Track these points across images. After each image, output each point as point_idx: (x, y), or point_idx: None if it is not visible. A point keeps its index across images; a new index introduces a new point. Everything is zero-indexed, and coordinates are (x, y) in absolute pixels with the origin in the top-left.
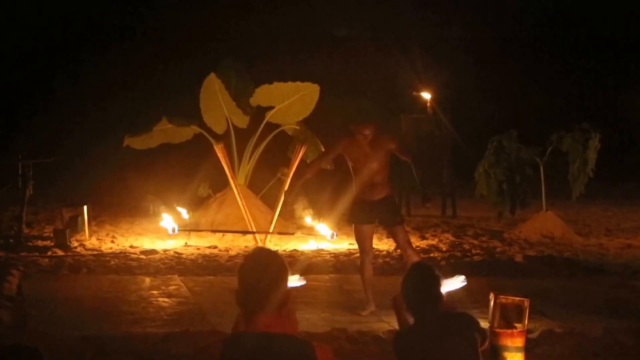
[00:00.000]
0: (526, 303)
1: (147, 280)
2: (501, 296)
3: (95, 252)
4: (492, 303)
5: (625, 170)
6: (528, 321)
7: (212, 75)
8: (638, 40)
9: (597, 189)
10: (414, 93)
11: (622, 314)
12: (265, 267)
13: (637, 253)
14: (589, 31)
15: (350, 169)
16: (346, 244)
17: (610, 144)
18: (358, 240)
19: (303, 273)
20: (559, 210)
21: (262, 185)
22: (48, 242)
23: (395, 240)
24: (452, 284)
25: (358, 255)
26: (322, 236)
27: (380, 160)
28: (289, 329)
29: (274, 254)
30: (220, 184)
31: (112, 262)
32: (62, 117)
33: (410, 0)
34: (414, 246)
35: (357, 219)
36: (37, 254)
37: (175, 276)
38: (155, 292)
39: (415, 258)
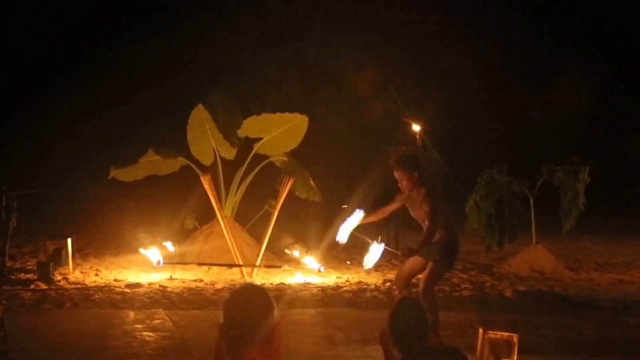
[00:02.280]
0: (515, 339)
1: (132, 314)
2: (490, 331)
3: (79, 286)
4: (480, 338)
5: (615, 204)
6: (517, 357)
7: (200, 107)
8: (627, 73)
9: (587, 223)
10: (405, 119)
11: (612, 350)
12: (252, 302)
13: (628, 288)
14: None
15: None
16: (334, 277)
17: (600, 178)
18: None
19: (290, 306)
20: (549, 244)
21: (249, 218)
22: (31, 276)
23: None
24: (374, 254)
25: (345, 288)
26: (309, 269)
27: (423, 211)
28: None
29: (261, 289)
30: (206, 216)
31: (96, 296)
32: (45, 148)
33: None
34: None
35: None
36: (20, 287)
37: (160, 310)
38: (139, 326)
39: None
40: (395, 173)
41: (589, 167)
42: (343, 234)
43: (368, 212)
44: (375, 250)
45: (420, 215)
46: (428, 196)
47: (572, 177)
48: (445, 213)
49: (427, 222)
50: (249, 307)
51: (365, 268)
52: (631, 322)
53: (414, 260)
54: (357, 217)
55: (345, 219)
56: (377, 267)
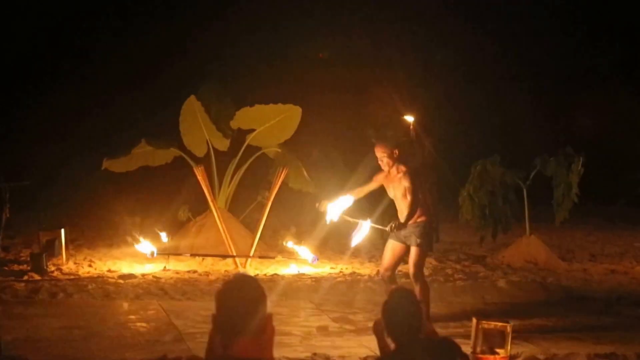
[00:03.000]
0: (509, 328)
1: (125, 304)
2: (484, 321)
3: (73, 277)
4: (474, 328)
5: (609, 194)
6: (510, 347)
7: (192, 98)
8: (619, 64)
9: (580, 213)
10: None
11: (605, 340)
12: (245, 292)
13: (621, 279)
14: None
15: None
16: (327, 268)
17: (593, 169)
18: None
19: (283, 297)
20: (543, 235)
21: (242, 209)
22: (24, 267)
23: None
24: (360, 233)
25: (339, 279)
26: (303, 260)
27: (403, 188)
28: (266, 355)
29: (253, 280)
30: (200, 207)
31: (90, 287)
32: (38, 138)
33: (394, 25)
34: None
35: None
36: (13, 278)
37: (154, 301)
38: (133, 317)
39: (415, 286)
40: (376, 150)
41: (582, 158)
42: (333, 213)
43: (346, 192)
44: (363, 227)
45: (399, 193)
46: (408, 173)
47: (565, 168)
48: (424, 194)
49: (408, 197)
50: (242, 298)
51: (352, 245)
52: (624, 312)
53: (394, 248)
54: (346, 200)
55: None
56: (371, 257)
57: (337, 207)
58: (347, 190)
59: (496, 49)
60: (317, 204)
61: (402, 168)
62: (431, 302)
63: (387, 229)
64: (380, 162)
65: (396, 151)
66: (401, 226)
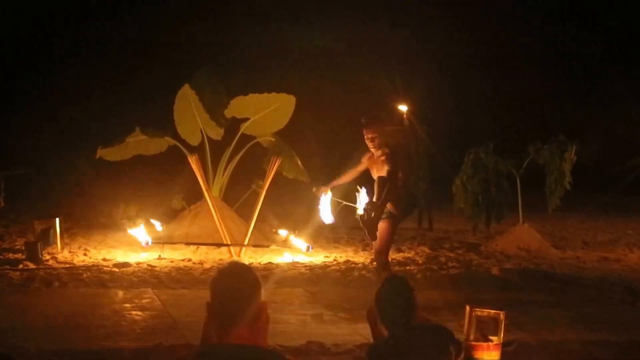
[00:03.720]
0: (502, 316)
1: (120, 293)
2: (477, 309)
3: (68, 265)
4: (467, 316)
5: (601, 182)
6: (504, 334)
7: (186, 87)
8: (612, 54)
9: (573, 201)
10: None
11: (598, 327)
12: (239, 280)
13: (613, 266)
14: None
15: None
16: (321, 256)
17: (586, 156)
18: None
19: (278, 286)
20: (536, 223)
21: (237, 198)
22: (19, 255)
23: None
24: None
25: (333, 268)
26: (297, 249)
27: (385, 170)
28: (261, 343)
29: (247, 268)
30: (194, 196)
31: (85, 275)
32: (32, 128)
33: (388, 15)
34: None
35: None
36: (8, 267)
37: (149, 289)
38: (128, 305)
39: (375, 257)
40: (366, 131)
41: (575, 146)
42: (327, 215)
43: (335, 177)
44: (325, 199)
45: (382, 174)
46: (390, 156)
47: (558, 156)
48: (405, 173)
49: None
50: (236, 286)
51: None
52: (616, 299)
53: (381, 229)
54: (327, 197)
55: (320, 202)
56: (365, 246)
57: (325, 207)
58: (337, 175)
59: (489, 37)
60: (314, 189)
61: (386, 150)
62: (425, 289)
63: (358, 211)
64: (369, 144)
65: (387, 128)
66: (376, 205)
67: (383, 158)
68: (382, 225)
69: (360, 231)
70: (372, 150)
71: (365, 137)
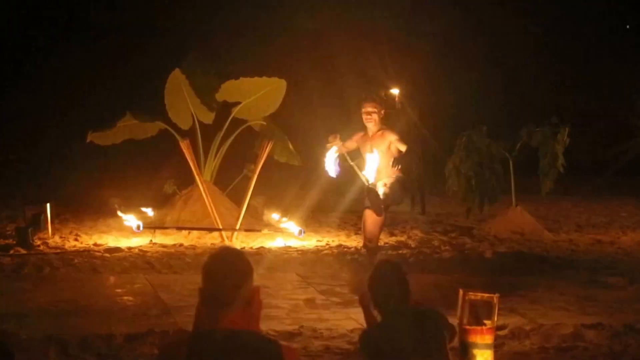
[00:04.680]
0: (495, 299)
1: (112, 278)
2: (470, 293)
3: (59, 251)
4: (461, 300)
5: (594, 165)
6: (497, 318)
7: (177, 71)
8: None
9: (567, 184)
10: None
11: (591, 310)
12: (232, 265)
13: (607, 249)
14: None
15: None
16: (314, 240)
17: (580, 139)
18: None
19: (270, 270)
20: (529, 206)
21: (228, 182)
22: (10, 241)
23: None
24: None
25: (326, 252)
26: (289, 233)
27: (387, 145)
28: (253, 327)
29: (239, 252)
30: (186, 181)
31: (76, 261)
32: (22, 113)
33: None
34: (379, 239)
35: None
36: None
37: (140, 274)
38: (119, 290)
39: (367, 245)
40: (367, 105)
41: (568, 128)
42: (331, 166)
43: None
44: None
45: (383, 147)
46: (392, 130)
47: (551, 138)
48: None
49: (400, 146)
50: (228, 271)
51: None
52: (610, 282)
53: (374, 215)
54: (332, 152)
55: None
56: (357, 230)
57: (330, 159)
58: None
59: (480, 20)
60: (330, 137)
61: (385, 127)
62: (418, 273)
63: (366, 183)
64: (367, 118)
65: (382, 111)
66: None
67: (382, 132)
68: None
69: (353, 214)
70: (369, 125)
71: (364, 110)
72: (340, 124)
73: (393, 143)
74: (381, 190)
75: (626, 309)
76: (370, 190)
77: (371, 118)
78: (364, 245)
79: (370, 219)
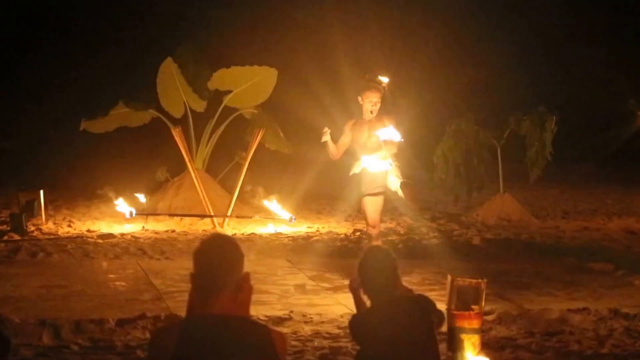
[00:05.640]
0: (483, 285)
1: (104, 264)
2: (458, 278)
3: (52, 237)
4: (449, 285)
5: (581, 153)
6: (485, 303)
7: (169, 60)
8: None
9: (553, 171)
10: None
11: (577, 295)
12: (222, 251)
13: (593, 235)
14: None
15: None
16: (304, 227)
17: (567, 127)
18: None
19: (261, 256)
20: (517, 193)
21: (220, 169)
22: (4, 227)
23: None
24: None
25: (316, 238)
26: (280, 219)
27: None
28: (244, 313)
29: (230, 238)
30: (178, 168)
31: (69, 247)
32: (15, 100)
33: None
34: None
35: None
36: None
37: (133, 260)
38: (112, 276)
39: (371, 231)
40: (372, 94)
41: (555, 117)
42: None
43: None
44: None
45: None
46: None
47: (539, 127)
48: None
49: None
50: (219, 256)
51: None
52: (596, 268)
53: (376, 203)
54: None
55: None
56: (347, 217)
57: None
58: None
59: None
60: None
61: (382, 112)
62: (407, 260)
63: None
64: (370, 106)
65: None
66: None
67: (377, 118)
68: (378, 200)
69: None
70: (372, 114)
71: (369, 100)
72: (336, 112)
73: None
74: (397, 183)
75: (611, 294)
76: (406, 184)
77: (376, 108)
78: (367, 232)
79: (372, 205)
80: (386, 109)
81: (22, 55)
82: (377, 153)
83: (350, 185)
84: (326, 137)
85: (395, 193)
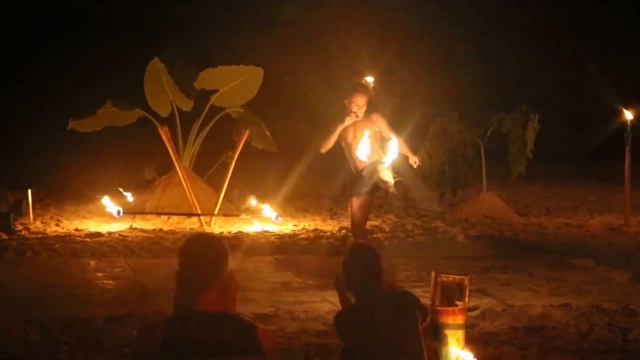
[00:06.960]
0: (467, 281)
1: (92, 263)
2: (442, 274)
3: (40, 236)
4: (433, 281)
5: (563, 150)
6: (469, 299)
7: (156, 59)
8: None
9: (536, 169)
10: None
11: (559, 291)
12: (207, 247)
13: (575, 232)
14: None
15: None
16: (290, 225)
17: (549, 125)
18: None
19: (248, 254)
20: (500, 191)
21: (207, 168)
22: None
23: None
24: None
25: (302, 236)
26: (266, 218)
27: (379, 134)
28: (230, 310)
29: (214, 236)
30: (165, 167)
31: (57, 245)
32: (1, 99)
33: None
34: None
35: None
36: None
37: (120, 259)
38: (100, 274)
39: (357, 229)
40: (358, 97)
41: (538, 115)
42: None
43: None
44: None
45: (370, 132)
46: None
47: (521, 125)
48: None
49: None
50: (204, 253)
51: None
52: (578, 264)
53: (362, 202)
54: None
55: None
56: (333, 215)
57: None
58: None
59: (454, 7)
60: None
61: (370, 111)
62: (392, 257)
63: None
64: (356, 108)
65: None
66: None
67: (371, 118)
68: (364, 199)
69: (329, 200)
70: (355, 116)
71: (355, 103)
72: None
73: (383, 129)
74: (388, 176)
75: (593, 290)
76: (401, 184)
77: (362, 111)
78: (352, 232)
79: (358, 205)
80: (374, 106)
81: (10, 49)
82: (364, 150)
83: (337, 178)
84: (348, 121)
85: (387, 190)
